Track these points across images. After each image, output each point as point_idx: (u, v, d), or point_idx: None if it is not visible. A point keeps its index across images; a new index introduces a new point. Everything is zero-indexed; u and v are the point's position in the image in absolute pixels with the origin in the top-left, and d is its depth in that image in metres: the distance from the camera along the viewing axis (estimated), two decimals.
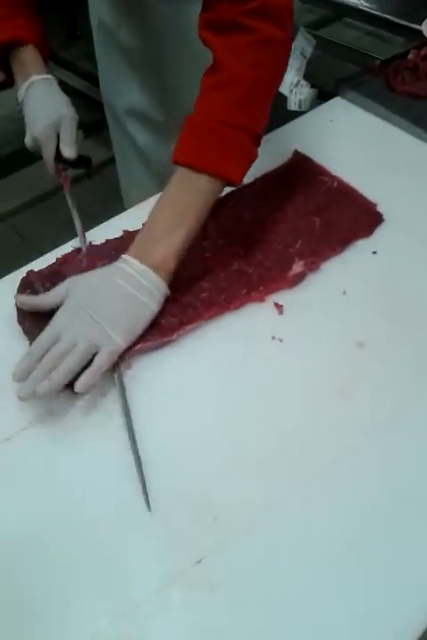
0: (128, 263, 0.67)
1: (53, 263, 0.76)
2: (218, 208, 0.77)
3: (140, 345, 0.67)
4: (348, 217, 0.84)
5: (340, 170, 0.90)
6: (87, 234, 0.81)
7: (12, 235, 2.17)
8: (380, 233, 0.83)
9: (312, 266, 0.77)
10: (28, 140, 0.87)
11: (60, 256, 0.77)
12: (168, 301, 0.70)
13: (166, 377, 0.66)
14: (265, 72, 0.70)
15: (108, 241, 0.79)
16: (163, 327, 0.69)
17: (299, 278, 0.76)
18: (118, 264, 0.68)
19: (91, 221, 0.84)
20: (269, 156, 0.94)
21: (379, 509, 0.56)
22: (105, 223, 0.84)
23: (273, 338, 0.70)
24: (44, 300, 0.67)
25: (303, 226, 0.82)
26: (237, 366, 0.67)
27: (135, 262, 0.67)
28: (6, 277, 0.77)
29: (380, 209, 0.85)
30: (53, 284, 0.69)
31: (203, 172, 0.68)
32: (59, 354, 0.60)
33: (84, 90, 2.52)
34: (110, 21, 1.05)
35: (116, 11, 1.03)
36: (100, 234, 0.81)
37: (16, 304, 0.68)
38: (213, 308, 0.71)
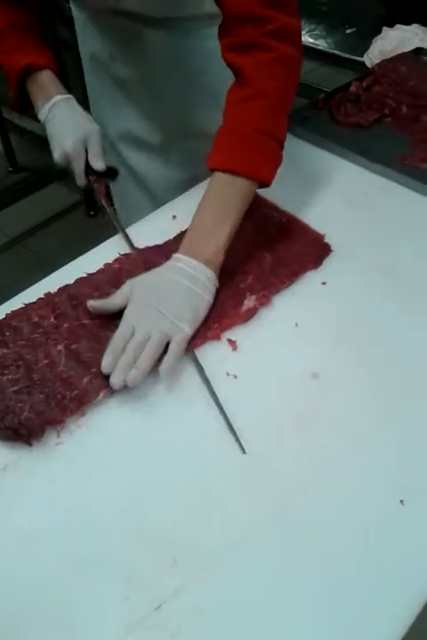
0: (182, 261, 0.75)
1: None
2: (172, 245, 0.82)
3: (102, 392, 0.67)
4: (297, 250, 0.86)
5: (288, 204, 0.93)
6: (82, 258, 0.86)
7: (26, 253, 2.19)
8: (329, 263, 0.85)
9: (264, 300, 0.79)
10: (57, 157, 0.92)
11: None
12: None
13: (125, 419, 0.66)
14: (286, 85, 0.80)
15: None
16: None
17: (251, 313, 0.78)
18: (173, 263, 0.76)
19: (62, 258, 0.87)
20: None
21: (338, 542, 0.56)
22: (102, 244, 0.89)
23: (228, 374, 0.71)
24: (112, 302, 0.74)
25: (254, 261, 0.84)
26: (195, 405, 0.68)
27: (188, 259, 0.75)
28: (24, 292, 0.79)
29: (328, 240, 0.88)
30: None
31: (241, 175, 0.77)
32: (137, 345, 0.68)
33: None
34: (102, 54, 1.08)
35: (109, 44, 1.06)
36: (96, 257, 0.84)
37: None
38: None
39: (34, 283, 0.81)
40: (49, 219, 2.43)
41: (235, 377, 0.71)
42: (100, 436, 0.65)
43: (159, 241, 0.86)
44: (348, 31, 1.52)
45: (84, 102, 1.13)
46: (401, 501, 0.59)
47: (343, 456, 0.63)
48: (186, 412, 0.67)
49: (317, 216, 0.92)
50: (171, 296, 0.73)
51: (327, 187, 0.99)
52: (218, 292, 0.78)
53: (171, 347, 0.69)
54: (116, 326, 0.72)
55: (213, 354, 0.73)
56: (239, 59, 0.79)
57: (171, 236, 0.87)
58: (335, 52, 1.44)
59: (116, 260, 0.83)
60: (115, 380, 0.65)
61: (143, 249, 0.85)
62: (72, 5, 1.11)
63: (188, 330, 0.71)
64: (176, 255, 0.77)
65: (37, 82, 0.94)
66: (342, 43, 1.49)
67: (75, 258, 0.86)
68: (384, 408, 0.68)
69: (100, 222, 0.95)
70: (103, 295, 0.77)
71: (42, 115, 0.94)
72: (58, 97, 0.93)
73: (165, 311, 0.71)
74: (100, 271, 0.81)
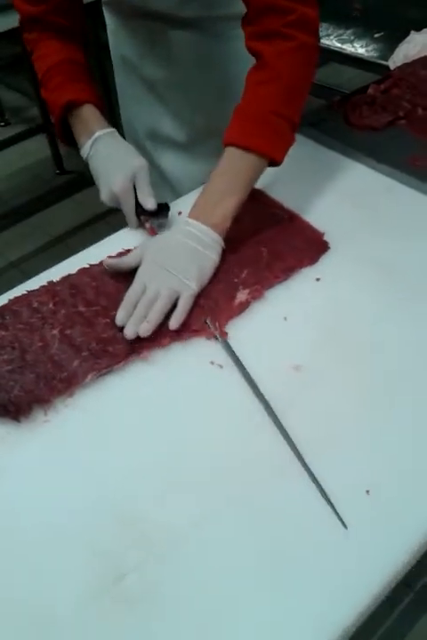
0: (190, 224, 0.81)
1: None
2: None
3: (89, 375, 0.71)
4: (294, 246, 0.87)
5: (292, 202, 0.95)
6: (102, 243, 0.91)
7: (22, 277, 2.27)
8: (326, 260, 0.87)
9: (256, 294, 0.81)
10: (105, 197, 0.90)
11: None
12: (119, 329, 0.75)
13: (108, 402, 0.70)
14: (302, 72, 0.85)
15: None
16: (111, 354, 0.73)
17: (243, 307, 0.80)
18: (181, 226, 0.82)
19: None
20: None
21: (306, 527, 0.58)
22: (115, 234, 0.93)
23: (212, 363, 0.73)
24: (125, 260, 0.81)
25: (250, 256, 0.86)
26: (175, 392, 0.70)
27: (197, 223, 0.81)
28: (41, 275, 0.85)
29: (328, 238, 0.89)
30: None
31: (252, 151, 0.82)
32: (148, 301, 0.75)
33: None
34: (133, 55, 1.12)
35: (139, 45, 1.09)
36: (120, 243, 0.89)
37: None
38: (162, 338, 0.75)
39: None
40: (90, 219, 2.52)
41: (220, 366, 0.73)
42: (85, 417, 0.68)
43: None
44: (376, 35, 1.52)
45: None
46: (367, 491, 0.60)
47: (315, 448, 0.64)
48: (168, 402, 0.70)
49: (319, 215, 0.93)
50: (179, 256, 0.79)
51: (333, 187, 1.00)
52: (212, 285, 0.81)
53: (179, 302, 0.76)
54: (111, 315, 0.76)
55: (200, 341, 0.76)
56: (261, 45, 0.84)
57: None
58: (360, 55, 1.44)
59: (118, 254, 0.86)
60: (128, 331, 0.73)
61: None
62: (104, 9, 1.15)
63: (194, 286, 0.77)
64: (185, 219, 0.82)
65: (79, 117, 0.94)
66: (370, 47, 1.49)
67: None
68: (363, 404, 0.68)
69: None
70: (101, 285, 0.81)
71: (84, 151, 0.93)
72: (100, 132, 0.92)
73: (174, 270, 0.77)
74: (100, 263, 0.85)
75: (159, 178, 1.23)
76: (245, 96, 0.85)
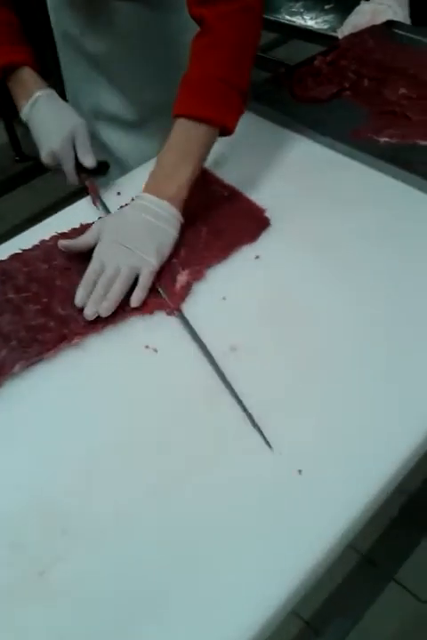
0: (146, 199, 0.79)
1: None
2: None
3: (18, 365, 0.68)
4: (234, 223, 0.86)
5: (233, 178, 0.93)
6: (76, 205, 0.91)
7: None
8: (266, 237, 0.85)
9: (197, 275, 0.79)
10: (45, 157, 0.89)
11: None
12: (50, 315, 0.73)
13: (38, 392, 0.67)
14: (247, 35, 0.83)
15: None
16: (40, 342, 0.70)
17: (185, 290, 0.77)
18: (137, 201, 0.80)
19: None
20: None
21: (228, 512, 0.57)
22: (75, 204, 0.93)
23: (147, 347, 0.71)
24: (82, 241, 0.78)
25: (189, 234, 0.84)
26: (109, 379, 0.68)
27: (152, 197, 0.79)
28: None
29: (269, 214, 0.87)
30: None
31: (202, 121, 0.80)
32: (108, 279, 0.73)
33: None
34: (74, 29, 1.07)
35: (80, 18, 1.05)
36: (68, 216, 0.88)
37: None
38: (95, 324, 0.73)
39: None
40: (49, 207, 2.46)
41: (155, 350, 0.71)
42: (12, 408, 0.66)
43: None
44: (327, 7, 1.49)
45: None
46: (299, 471, 0.59)
47: (245, 428, 0.63)
48: (101, 389, 0.68)
49: (261, 191, 0.91)
50: (137, 232, 0.77)
51: (276, 161, 0.98)
52: None
53: (140, 279, 0.74)
54: (42, 301, 0.74)
55: (133, 325, 0.74)
56: (203, 10, 0.81)
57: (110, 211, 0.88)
58: (310, 27, 1.41)
59: (51, 238, 0.84)
60: (88, 311, 0.71)
61: None
62: None
63: (154, 262, 0.76)
64: (140, 194, 0.80)
65: (17, 80, 0.92)
66: (320, 19, 1.46)
67: None
68: (296, 383, 0.67)
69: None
70: (33, 271, 0.78)
71: (24, 114, 0.92)
72: (38, 92, 0.91)
73: (132, 246, 0.76)
74: (34, 247, 0.82)
75: (107, 157, 1.19)
76: (191, 64, 0.83)
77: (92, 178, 0.92)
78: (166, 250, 0.79)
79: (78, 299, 0.73)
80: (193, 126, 0.81)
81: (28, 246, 0.83)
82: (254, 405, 0.64)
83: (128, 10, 1.01)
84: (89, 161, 0.90)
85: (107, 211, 0.89)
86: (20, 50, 0.93)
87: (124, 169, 1.17)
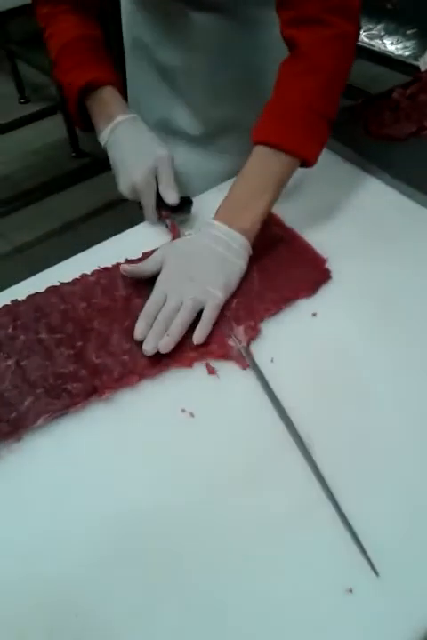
0: (216, 227, 0.75)
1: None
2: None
3: (42, 418, 0.62)
4: (291, 272, 0.78)
5: (294, 219, 0.85)
6: (119, 237, 0.86)
7: (26, 265, 2.20)
8: (325, 291, 0.77)
9: (253, 334, 0.71)
10: (124, 189, 0.84)
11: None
12: (82, 363, 0.67)
13: (60, 450, 0.61)
14: (342, 63, 0.78)
15: None
16: (69, 393, 0.64)
17: (236, 352, 0.70)
18: (206, 229, 0.75)
19: None
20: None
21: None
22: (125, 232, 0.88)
23: (183, 411, 0.64)
24: (144, 267, 0.74)
25: (241, 280, 0.76)
26: (137, 444, 0.62)
27: (224, 227, 0.74)
28: (25, 282, 0.78)
29: (330, 264, 0.79)
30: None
31: (284, 151, 0.75)
32: (170, 312, 0.68)
33: None
34: (147, 37, 1.01)
35: (155, 28, 0.99)
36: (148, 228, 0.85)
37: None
38: (129, 376, 0.66)
39: None
40: (103, 206, 2.43)
41: (191, 415, 0.64)
42: (32, 466, 0.60)
43: (153, 246, 0.81)
44: (409, 32, 1.39)
45: None
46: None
47: (294, 522, 0.55)
48: (128, 456, 0.62)
49: (323, 236, 0.83)
50: (203, 262, 0.73)
51: (342, 203, 0.90)
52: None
53: (204, 314, 0.69)
54: (77, 345, 0.68)
55: (172, 382, 0.67)
56: (298, 33, 0.77)
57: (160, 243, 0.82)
58: (389, 53, 1.31)
59: (94, 272, 0.78)
60: (148, 347, 0.66)
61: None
62: None
63: (220, 296, 0.71)
64: (210, 221, 0.76)
65: (98, 100, 0.87)
66: (401, 44, 1.36)
67: None
68: (356, 469, 0.59)
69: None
70: (70, 310, 0.73)
71: (103, 138, 0.87)
72: (121, 117, 0.85)
73: (198, 278, 0.71)
74: (74, 281, 0.76)
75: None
76: (278, 88, 0.78)
77: (173, 216, 0.85)
78: (234, 284, 0.74)
79: (138, 332, 0.68)
80: (273, 155, 0.76)
81: (73, 273, 0.77)
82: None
83: (209, 23, 0.93)
84: (172, 198, 0.83)
85: None
86: (104, 68, 0.88)
87: (186, 186, 1.11)
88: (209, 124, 1.04)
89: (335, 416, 0.63)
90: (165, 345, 0.66)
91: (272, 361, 0.69)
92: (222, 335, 0.70)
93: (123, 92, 0.90)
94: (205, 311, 0.70)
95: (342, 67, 0.78)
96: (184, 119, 1.06)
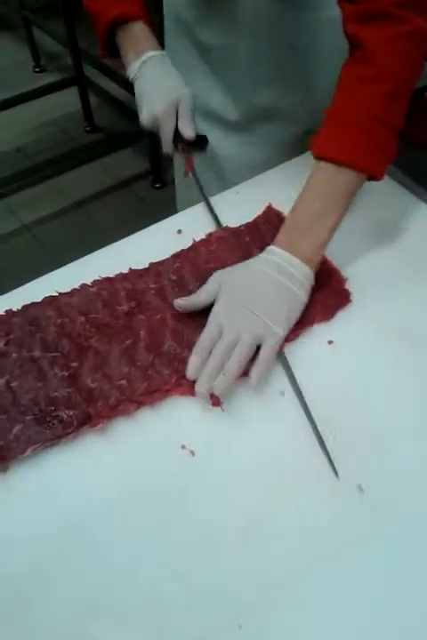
0: (277, 254, 0.69)
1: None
2: (160, 266, 0.74)
3: (30, 448, 0.58)
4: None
5: None
6: (124, 241, 0.80)
7: (34, 244, 2.15)
8: (344, 318, 0.71)
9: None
10: (145, 118, 0.85)
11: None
12: (77, 386, 0.62)
13: (48, 485, 0.57)
14: (414, 66, 0.70)
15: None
16: (61, 422, 0.59)
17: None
18: (267, 256, 0.69)
19: (119, 232, 0.82)
20: (237, 207, 0.83)
21: None
22: (161, 222, 0.84)
23: (183, 447, 0.59)
24: (197, 298, 0.68)
25: None
26: (132, 479, 0.57)
27: (286, 254, 0.68)
28: (32, 283, 0.75)
29: (351, 286, 0.73)
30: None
31: (351, 168, 0.69)
32: (226, 348, 0.63)
33: (122, 99, 2.45)
34: (189, 15, 0.96)
35: (199, 5, 0.94)
36: (155, 234, 0.81)
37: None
38: (126, 405, 0.61)
39: (86, 252, 0.78)
40: (115, 185, 2.37)
41: (192, 453, 0.59)
42: (17, 503, 0.56)
43: (161, 255, 0.76)
44: None
45: None
46: None
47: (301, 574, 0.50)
48: (120, 495, 0.56)
49: (343, 255, 0.77)
50: (264, 294, 0.67)
51: (368, 218, 0.83)
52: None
53: (262, 352, 0.63)
54: (72, 366, 0.63)
55: (172, 415, 0.61)
56: (364, 31, 0.68)
57: (169, 253, 0.76)
58: None
59: (94, 282, 0.72)
60: (200, 389, 0.61)
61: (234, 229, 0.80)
62: None
63: (281, 333, 0.65)
64: (271, 248, 0.70)
65: (129, 34, 0.87)
66: None
67: (129, 233, 0.81)
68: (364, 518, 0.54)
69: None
70: (67, 324, 0.67)
71: (131, 71, 0.87)
72: (150, 53, 0.86)
73: (258, 311, 0.65)
74: (72, 292, 0.71)
75: (203, 156, 1.08)
76: (342, 96, 0.71)
77: (189, 149, 0.87)
78: (294, 319, 0.67)
79: (190, 368, 0.62)
80: (338, 172, 0.69)
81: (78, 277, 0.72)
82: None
83: (255, 3, 0.86)
84: (189, 132, 0.84)
85: (201, 190, 0.86)
86: (133, 1, 0.87)
87: (218, 171, 1.06)
88: (246, 109, 0.98)
89: (347, 463, 0.58)
90: (221, 387, 0.61)
91: (283, 394, 0.63)
92: None
93: (154, 28, 0.89)
94: (262, 350, 0.63)
95: (412, 70, 0.70)
96: (220, 102, 1.00)
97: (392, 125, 0.69)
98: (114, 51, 0.91)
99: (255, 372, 0.62)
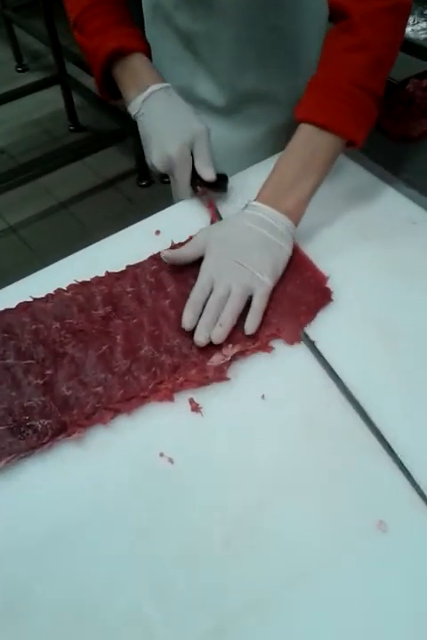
0: (260, 210, 0.71)
1: None
2: (137, 268, 0.73)
3: (4, 460, 0.56)
4: (288, 293, 0.70)
5: (299, 231, 0.77)
6: (102, 243, 0.79)
7: (20, 245, 2.12)
8: (324, 316, 0.70)
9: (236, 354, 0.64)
10: (157, 161, 0.81)
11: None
12: (52, 394, 0.60)
13: (24, 495, 0.55)
14: (394, 38, 0.73)
15: None
16: (35, 431, 0.58)
17: (219, 373, 0.63)
18: (250, 211, 0.72)
19: (106, 232, 0.81)
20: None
21: None
22: (138, 223, 0.82)
23: (161, 455, 0.58)
24: (185, 252, 0.71)
25: None
26: (110, 488, 0.56)
27: (269, 209, 0.71)
28: (9, 287, 0.73)
29: (332, 282, 0.72)
30: None
31: (331, 131, 0.71)
32: (219, 300, 0.66)
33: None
34: (168, 3, 0.93)
35: None
36: (133, 236, 0.80)
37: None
38: (103, 413, 0.60)
39: (73, 252, 0.77)
40: (100, 185, 2.34)
41: (170, 461, 0.57)
42: None
43: (139, 257, 0.74)
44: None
45: None
46: None
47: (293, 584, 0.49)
48: (96, 505, 0.55)
49: (323, 250, 0.76)
50: (250, 247, 0.69)
51: (347, 213, 0.82)
52: (182, 337, 0.65)
53: (254, 303, 0.67)
54: (46, 374, 0.62)
55: (149, 423, 0.60)
56: (349, 2, 0.71)
57: (147, 254, 0.74)
58: (406, 36, 1.20)
59: (70, 287, 0.70)
60: (201, 338, 0.64)
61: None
62: None
63: (269, 282, 0.68)
64: (254, 203, 0.72)
65: (128, 68, 0.83)
66: (419, 26, 1.25)
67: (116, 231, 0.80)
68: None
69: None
70: (41, 330, 0.66)
71: (133, 107, 0.83)
72: (154, 86, 0.82)
73: (246, 263, 0.68)
74: (47, 297, 0.69)
75: None
76: (326, 63, 0.74)
77: (210, 192, 0.82)
78: (281, 270, 0.71)
79: (186, 321, 0.65)
80: (318, 134, 0.72)
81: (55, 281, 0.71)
82: None
83: None
84: (209, 174, 0.80)
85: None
86: (130, 33, 0.84)
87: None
88: (233, 93, 0.96)
89: (324, 466, 0.57)
90: (218, 335, 0.64)
91: (263, 397, 0.62)
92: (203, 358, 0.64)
93: (151, 58, 0.86)
94: (254, 300, 0.67)
95: (394, 41, 0.73)
96: (207, 89, 0.98)
97: (373, 92, 0.72)
98: (113, 91, 0.87)
99: (250, 321, 0.65)
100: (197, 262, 0.70)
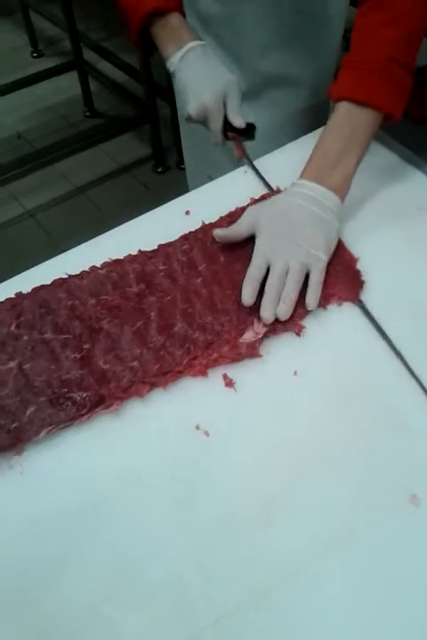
0: (307, 187, 0.72)
1: None
2: (169, 247, 0.73)
3: (44, 430, 0.57)
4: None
5: None
6: (132, 222, 0.81)
7: (37, 230, 2.13)
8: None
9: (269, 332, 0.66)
10: (193, 110, 0.84)
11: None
12: (90, 368, 0.61)
13: (63, 465, 0.56)
14: (424, 7, 0.73)
15: None
16: (74, 403, 0.59)
17: (251, 350, 0.64)
18: (298, 189, 0.73)
19: (122, 217, 0.82)
20: (243, 188, 0.83)
21: None
22: (169, 203, 0.84)
23: (197, 428, 0.59)
24: (238, 229, 0.72)
25: None
26: (147, 460, 0.57)
27: (317, 186, 0.72)
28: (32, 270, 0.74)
29: (361, 266, 0.73)
30: None
31: (369, 106, 0.73)
32: (279, 277, 0.67)
33: (123, 83, 2.43)
34: None
35: None
36: (163, 216, 0.81)
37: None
38: (139, 386, 0.61)
39: (89, 237, 0.78)
40: (116, 171, 2.35)
41: (206, 434, 0.58)
42: (34, 482, 0.55)
43: (169, 236, 0.75)
44: None
45: None
46: None
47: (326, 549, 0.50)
48: (135, 476, 0.56)
49: (354, 231, 0.76)
50: (301, 224, 0.70)
51: (376, 198, 0.83)
52: (214, 315, 0.66)
53: (312, 278, 0.68)
54: (84, 348, 0.63)
55: (186, 395, 0.61)
56: None
57: (177, 234, 0.75)
58: None
59: (104, 265, 0.72)
60: (267, 314, 0.65)
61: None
62: None
63: (325, 257, 0.69)
64: (300, 181, 0.74)
65: (167, 26, 0.87)
66: None
67: (132, 217, 0.81)
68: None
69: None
70: (78, 306, 0.67)
71: (171, 63, 0.86)
72: (191, 43, 0.85)
73: (300, 240, 0.69)
74: (82, 274, 0.71)
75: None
76: (359, 40, 0.76)
77: (240, 138, 0.88)
78: (333, 245, 0.71)
79: (247, 297, 0.66)
80: (358, 111, 0.73)
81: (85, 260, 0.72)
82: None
83: None
84: (239, 121, 0.85)
85: (257, 173, 0.86)
86: None
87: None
88: (254, 77, 0.97)
89: (359, 434, 0.58)
90: (285, 311, 0.65)
91: (296, 374, 0.63)
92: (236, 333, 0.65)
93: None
94: (312, 276, 0.68)
95: (424, 11, 0.74)
96: None
97: (406, 65, 0.73)
98: (147, 46, 0.90)
99: (311, 296, 0.67)
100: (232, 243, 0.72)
